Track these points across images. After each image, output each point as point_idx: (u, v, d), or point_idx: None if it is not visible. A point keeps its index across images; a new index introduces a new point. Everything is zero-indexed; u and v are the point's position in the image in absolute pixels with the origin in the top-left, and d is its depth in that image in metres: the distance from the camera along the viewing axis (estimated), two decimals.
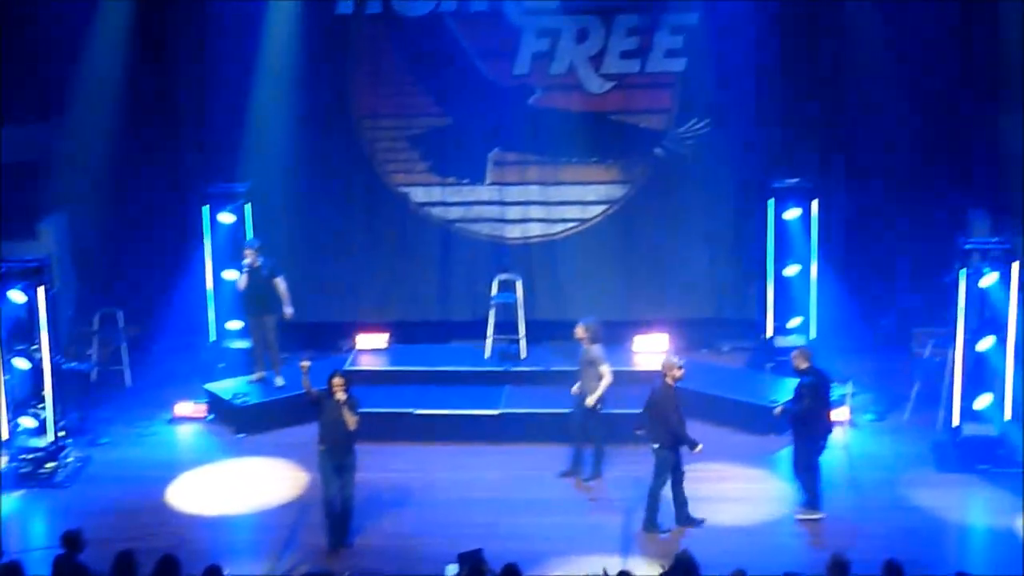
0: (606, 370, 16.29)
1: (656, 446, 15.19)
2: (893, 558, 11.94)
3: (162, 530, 15.28)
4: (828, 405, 15.69)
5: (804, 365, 15.50)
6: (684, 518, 15.31)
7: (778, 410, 15.87)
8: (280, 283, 18.57)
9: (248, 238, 19.13)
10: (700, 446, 15.13)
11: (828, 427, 15.65)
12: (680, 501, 15.33)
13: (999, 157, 19.12)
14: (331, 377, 14.84)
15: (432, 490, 16.46)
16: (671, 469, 15.19)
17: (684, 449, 15.16)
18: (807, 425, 15.50)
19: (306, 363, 15.14)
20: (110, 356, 19.95)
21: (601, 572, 12.09)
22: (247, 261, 18.44)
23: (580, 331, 16.47)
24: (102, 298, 20.18)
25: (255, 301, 18.62)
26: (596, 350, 16.39)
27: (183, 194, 20.41)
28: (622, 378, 17.34)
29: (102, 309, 19.94)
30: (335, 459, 14.82)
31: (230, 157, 20.04)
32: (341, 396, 14.70)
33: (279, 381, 18.67)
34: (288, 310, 18.60)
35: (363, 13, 19.84)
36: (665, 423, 15.07)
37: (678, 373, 15.21)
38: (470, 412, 18.03)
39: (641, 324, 19.75)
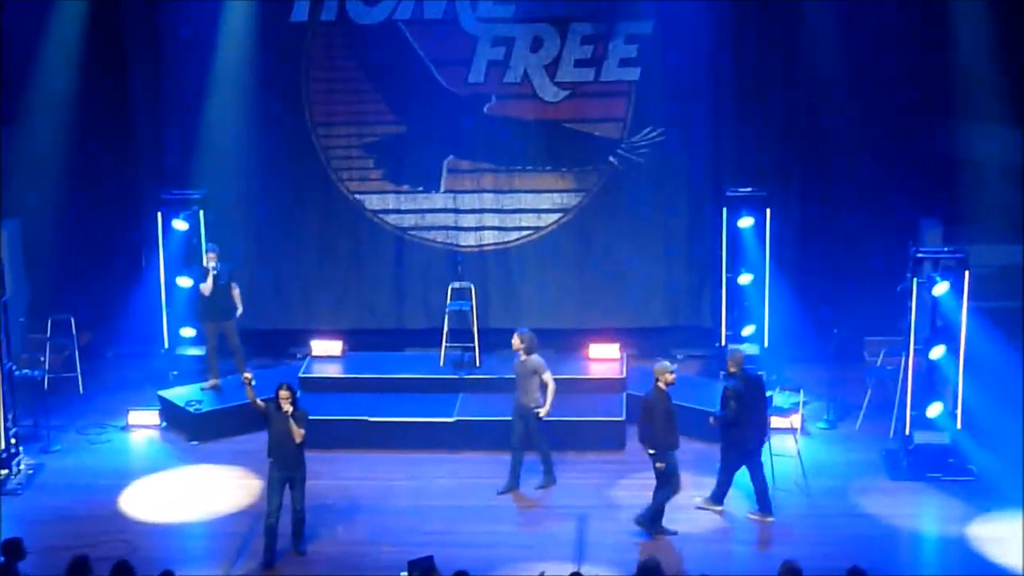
0: (549, 378, 16.33)
1: (652, 452, 15.30)
2: (857, 565, 12.02)
3: (115, 537, 15.19)
4: (760, 410, 15.84)
5: (734, 369, 15.69)
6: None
7: (712, 420, 15.95)
8: (234, 287, 18.54)
9: (204, 244, 19.08)
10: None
11: (761, 432, 15.81)
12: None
13: (952, 166, 19.25)
14: (277, 389, 14.73)
15: (386, 497, 16.45)
16: (671, 475, 15.38)
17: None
18: (737, 429, 15.66)
19: (248, 375, 15.12)
20: (63, 363, 19.80)
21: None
22: (212, 264, 18.38)
23: (517, 342, 16.48)
24: (55, 304, 20.03)
25: (215, 306, 18.57)
26: (535, 360, 16.41)
27: (136, 200, 20.34)
28: (575, 386, 17.44)
29: (55, 315, 19.79)
30: (283, 472, 14.71)
31: (184, 164, 19.99)
32: (288, 408, 14.60)
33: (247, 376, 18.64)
34: (239, 310, 18.66)
35: (318, 20, 19.79)
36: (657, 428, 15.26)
37: (670, 378, 15.33)
38: (424, 420, 18.02)
39: (595, 332, 19.78)
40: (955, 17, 18.87)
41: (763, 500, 15.78)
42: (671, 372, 15.34)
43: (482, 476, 16.95)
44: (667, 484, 15.33)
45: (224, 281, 18.49)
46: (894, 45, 19.15)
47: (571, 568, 13.86)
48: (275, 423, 14.67)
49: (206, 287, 18.44)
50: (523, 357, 16.43)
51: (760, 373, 16.57)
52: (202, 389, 18.85)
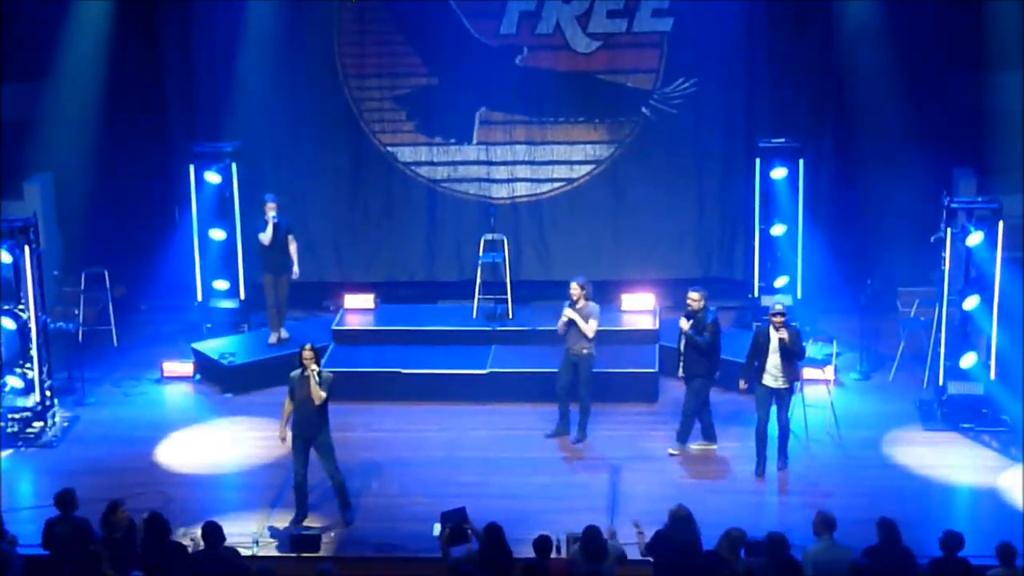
0: (594, 327, 16.33)
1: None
2: (885, 516, 12.04)
3: (150, 489, 15.28)
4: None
5: (702, 304, 15.87)
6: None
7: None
8: (292, 242, 18.55)
9: (237, 196, 19.15)
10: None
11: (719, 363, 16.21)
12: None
13: (984, 116, 19.12)
14: (301, 349, 14.57)
15: (419, 449, 16.51)
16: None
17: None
18: (708, 359, 15.89)
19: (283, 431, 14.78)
20: (97, 316, 19.93)
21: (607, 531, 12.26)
22: (272, 214, 18.35)
23: (577, 289, 16.40)
24: (88, 258, 20.15)
25: (273, 258, 18.55)
26: (593, 306, 16.43)
27: (169, 153, 20.38)
28: (609, 337, 17.41)
29: (88, 269, 19.91)
30: (304, 435, 14.54)
31: (216, 117, 20.04)
32: (313, 367, 14.43)
33: (284, 334, 18.72)
34: (296, 270, 18.62)
35: None
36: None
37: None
38: (457, 372, 18.05)
39: (628, 284, 19.77)
40: None
41: (712, 428, 16.30)
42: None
43: (515, 428, 17.00)
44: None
45: (283, 233, 18.47)
46: None
47: (604, 519, 13.94)
48: (298, 385, 14.49)
49: (265, 237, 18.36)
50: (581, 304, 16.41)
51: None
52: (268, 344, 18.85)
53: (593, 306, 16.46)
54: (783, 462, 15.82)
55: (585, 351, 16.43)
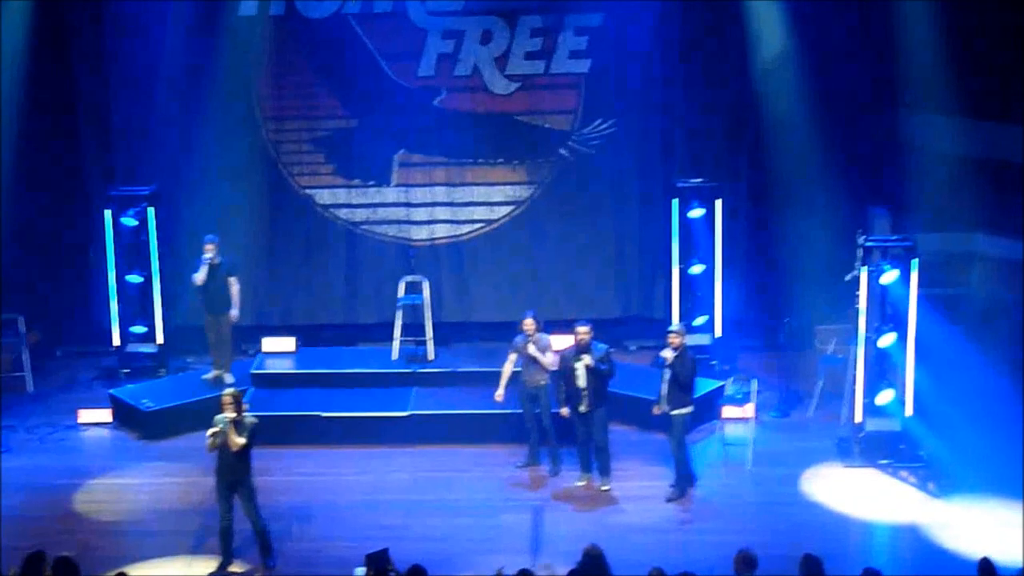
0: (551, 357, 16.52)
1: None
2: (810, 552, 12.10)
3: (68, 537, 15.10)
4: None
5: (591, 336, 16.02)
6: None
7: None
8: (234, 283, 18.49)
9: (151, 240, 19.04)
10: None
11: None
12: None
13: (898, 155, 19.38)
14: (222, 395, 14.49)
15: (341, 493, 16.42)
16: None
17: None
18: (605, 389, 16.12)
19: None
20: (11, 363, 19.67)
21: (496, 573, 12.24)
22: (208, 256, 18.29)
23: (531, 323, 16.58)
24: (2, 304, 19.89)
25: (213, 298, 18.51)
26: (546, 338, 16.64)
27: (84, 197, 20.21)
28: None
29: (2, 315, 19.66)
30: (225, 481, 14.44)
31: (132, 160, 19.91)
32: (230, 414, 14.27)
33: (228, 379, 18.58)
34: (234, 312, 18.55)
35: (266, 14, 19.73)
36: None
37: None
38: (378, 414, 17.98)
39: (548, 324, 19.74)
40: (902, 10, 18.99)
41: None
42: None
43: (437, 470, 16.96)
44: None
45: (223, 273, 18.42)
46: (842, 37, 19.24)
47: (526, 560, 13.92)
48: (217, 430, 14.36)
49: (198, 277, 18.34)
50: (535, 337, 16.53)
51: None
52: (204, 379, 18.80)
53: (545, 337, 16.65)
54: (675, 492, 16.07)
55: (543, 382, 16.59)
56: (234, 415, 14.28)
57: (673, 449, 16.05)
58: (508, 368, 16.80)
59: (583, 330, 16.06)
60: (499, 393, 16.79)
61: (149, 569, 14.53)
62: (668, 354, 15.84)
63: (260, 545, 14.70)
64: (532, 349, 16.54)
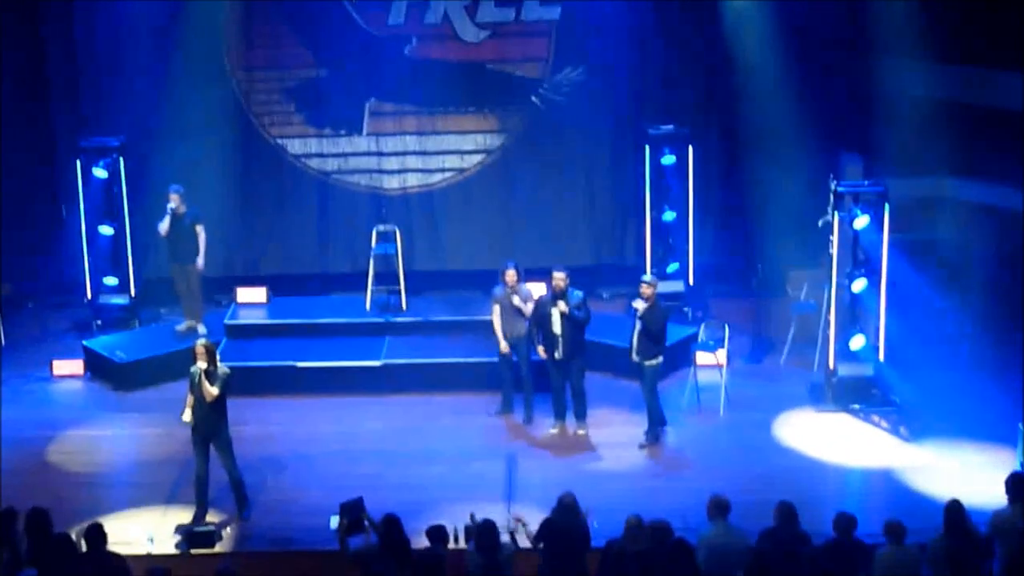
0: (531, 307, 16.57)
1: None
2: (784, 500, 12.16)
3: (42, 489, 15.05)
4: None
5: (567, 283, 16.05)
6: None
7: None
8: (200, 232, 18.45)
9: (124, 190, 18.96)
10: None
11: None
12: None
13: (869, 102, 19.37)
14: (195, 345, 14.47)
15: (315, 443, 16.44)
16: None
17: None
18: (582, 336, 16.16)
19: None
20: None
21: (468, 520, 12.29)
22: (171, 205, 18.27)
23: (512, 274, 16.58)
24: None
25: (178, 248, 18.50)
26: (526, 288, 16.71)
27: (54, 148, 20.10)
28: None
29: None
30: (200, 432, 14.45)
31: (101, 110, 19.79)
32: (202, 364, 14.26)
33: (201, 329, 18.58)
34: (200, 261, 18.51)
35: None
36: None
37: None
38: (352, 364, 18.00)
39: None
40: None
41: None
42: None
43: (410, 419, 16.99)
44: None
45: (188, 223, 18.37)
46: None
47: (501, 508, 13.97)
48: (194, 382, 14.36)
49: (162, 226, 18.34)
50: (516, 287, 16.59)
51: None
52: (176, 329, 18.77)
53: (526, 287, 16.84)
54: (647, 438, 16.17)
55: (523, 332, 16.67)
56: (206, 365, 14.27)
57: (645, 397, 16.10)
58: (497, 320, 16.76)
59: (559, 276, 16.07)
60: (504, 345, 16.75)
61: (124, 520, 14.53)
62: (640, 305, 15.86)
63: (236, 496, 14.71)
64: (517, 300, 16.56)
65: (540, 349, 16.37)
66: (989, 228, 18.99)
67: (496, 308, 16.76)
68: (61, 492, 15.14)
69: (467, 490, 15.00)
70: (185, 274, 18.65)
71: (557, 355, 16.18)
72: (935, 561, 12.01)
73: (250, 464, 15.34)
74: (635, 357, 16.02)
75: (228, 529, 14.37)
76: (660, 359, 16.08)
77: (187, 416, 14.49)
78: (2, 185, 19.86)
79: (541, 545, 12.36)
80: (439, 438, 16.50)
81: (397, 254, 19.30)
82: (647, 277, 16.17)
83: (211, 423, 14.40)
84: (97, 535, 12.18)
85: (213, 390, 14.25)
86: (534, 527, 12.46)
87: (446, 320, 18.81)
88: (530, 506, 14.00)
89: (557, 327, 16.08)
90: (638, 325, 15.97)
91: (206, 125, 19.93)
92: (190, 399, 14.46)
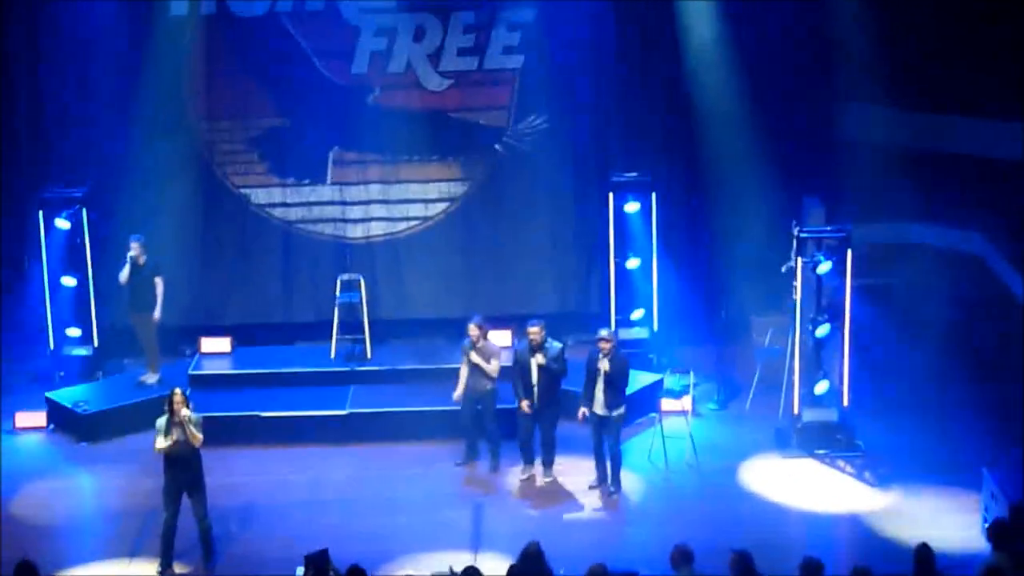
0: (496, 367, 16.52)
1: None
2: (743, 549, 12.13)
3: (6, 542, 14.96)
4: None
5: (543, 335, 16.07)
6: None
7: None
8: (159, 283, 18.40)
9: (88, 242, 18.92)
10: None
11: None
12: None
13: (831, 147, 19.50)
14: (171, 394, 14.35)
15: (280, 493, 16.38)
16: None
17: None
18: (557, 388, 16.16)
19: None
20: None
21: (447, 570, 12.19)
22: (132, 254, 18.25)
23: (475, 330, 16.55)
24: None
25: (138, 297, 18.46)
26: (491, 346, 16.67)
27: (16, 200, 19.99)
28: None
29: None
30: (179, 480, 14.38)
31: (65, 162, 19.73)
32: (186, 412, 14.24)
33: (151, 379, 18.56)
34: (156, 313, 18.44)
35: (198, 14, 19.59)
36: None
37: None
38: (317, 413, 17.96)
39: (485, 320, 19.76)
40: (833, 2, 19.11)
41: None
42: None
43: (376, 468, 16.96)
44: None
45: (148, 273, 18.35)
46: (775, 29, 19.31)
47: (468, 556, 13.93)
48: (168, 432, 14.24)
49: (122, 275, 18.30)
50: (481, 343, 16.48)
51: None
52: (139, 381, 18.71)
53: (493, 344, 16.71)
54: (615, 487, 16.09)
55: (489, 387, 16.59)
56: (189, 413, 14.22)
57: (611, 447, 16.06)
58: (464, 370, 16.75)
59: (534, 330, 16.09)
60: (456, 393, 16.74)
61: (87, 573, 14.44)
62: (605, 365, 15.80)
63: (204, 546, 14.65)
64: (475, 357, 16.56)
65: (524, 404, 16.30)
66: (950, 272, 19.10)
67: (464, 360, 16.74)
68: (24, 545, 14.95)
69: (433, 540, 14.96)
70: (143, 324, 18.60)
71: (531, 405, 16.16)
72: None
73: (215, 514, 15.21)
74: (602, 411, 15.95)
75: None
76: (623, 408, 16.08)
77: (161, 443, 14.29)
78: None
79: None
80: (405, 487, 16.45)
81: (362, 303, 19.29)
82: (604, 332, 16.11)
83: (192, 470, 14.39)
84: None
85: (200, 435, 14.25)
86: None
87: (411, 368, 18.79)
88: (496, 554, 13.97)
89: (533, 378, 16.08)
90: (600, 381, 15.92)
91: (169, 175, 19.92)
92: (163, 439, 14.32)
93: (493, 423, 16.77)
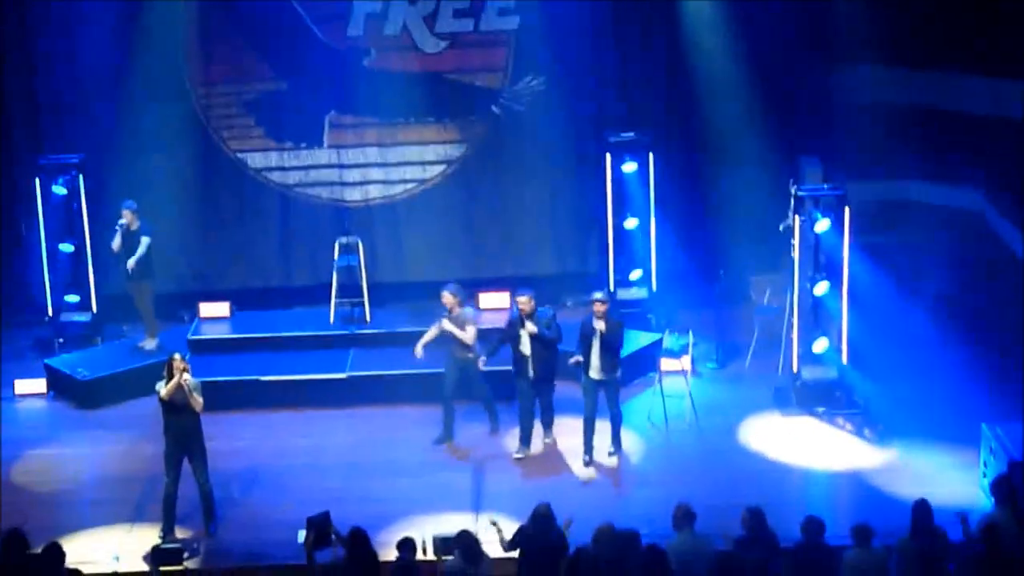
0: (472, 333, 16.34)
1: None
2: (751, 505, 12.18)
3: (6, 509, 14.98)
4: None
5: (533, 304, 15.94)
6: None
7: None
8: (144, 241, 18.27)
9: (85, 208, 18.88)
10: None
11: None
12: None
13: (828, 106, 19.47)
14: (170, 359, 14.34)
15: (281, 457, 16.40)
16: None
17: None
18: (554, 357, 16.04)
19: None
20: None
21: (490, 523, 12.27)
22: (123, 221, 18.20)
23: (449, 297, 16.34)
24: None
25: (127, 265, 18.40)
26: (467, 313, 16.47)
27: (13, 166, 19.96)
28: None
29: None
30: (181, 445, 14.42)
31: (61, 128, 19.69)
32: (187, 377, 14.25)
33: (149, 344, 18.59)
34: (130, 263, 18.29)
35: None
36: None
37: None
38: (317, 377, 17.97)
39: (484, 282, 19.80)
40: None
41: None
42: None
43: (377, 431, 16.97)
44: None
45: (137, 239, 18.29)
46: None
47: (470, 518, 13.97)
48: (169, 397, 14.28)
49: (115, 243, 18.26)
50: (456, 311, 16.39)
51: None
52: (137, 347, 18.70)
53: (468, 311, 16.52)
54: (615, 447, 16.11)
55: (469, 356, 16.43)
56: (190, 376, 14.24)
57: (610, 407, 16.05)
58: (432, 332, 16.61)
59: (523, 300, 15.97)
60: (417, 349, 16.55)
61: (89, 538, 14.48)
62: (600, 325, 15.76)
63: (205, 510, 14.68)
64: (447, 324, 16.39)
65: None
66: (949, 230, 19.10)
67: (436, 325, 16.57)
68: (25, 511, 15.01)
69: (434, 502, 14.99)
70: (137, 290, 18.57)
71: (529, 374, 16.12)
72: (903, 562, 12.06)
73: (217, 479, 15.25)
74: (599, 375, 15.91)
75: (196, 545, 14.31)
76: (619, 370, 16.06)
77: (164, 389, 14.27)
78: None
79: (516, 553, 12.39)
80: (405, 450, 16.47)
81: (360, 266, 19.27)
82: (598, 295, 15.97)
83: (192, 434, 14.41)
84: (54, 554, 12.12)
85: (200, 399, 14.28)
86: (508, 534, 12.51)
87: (410, 331, 18.71)
88: (501, 515, 14.00)
89: (527, 348, 16.00)
90: (596, 344, 15.89)
91: (166, 140, 19.88)
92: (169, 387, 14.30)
93: (483, 384, 16.65)
